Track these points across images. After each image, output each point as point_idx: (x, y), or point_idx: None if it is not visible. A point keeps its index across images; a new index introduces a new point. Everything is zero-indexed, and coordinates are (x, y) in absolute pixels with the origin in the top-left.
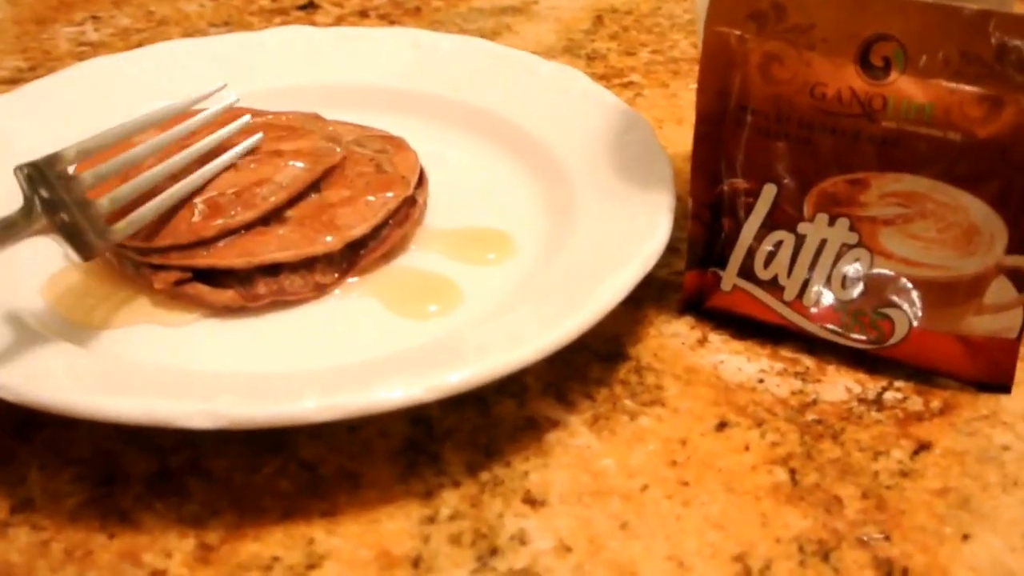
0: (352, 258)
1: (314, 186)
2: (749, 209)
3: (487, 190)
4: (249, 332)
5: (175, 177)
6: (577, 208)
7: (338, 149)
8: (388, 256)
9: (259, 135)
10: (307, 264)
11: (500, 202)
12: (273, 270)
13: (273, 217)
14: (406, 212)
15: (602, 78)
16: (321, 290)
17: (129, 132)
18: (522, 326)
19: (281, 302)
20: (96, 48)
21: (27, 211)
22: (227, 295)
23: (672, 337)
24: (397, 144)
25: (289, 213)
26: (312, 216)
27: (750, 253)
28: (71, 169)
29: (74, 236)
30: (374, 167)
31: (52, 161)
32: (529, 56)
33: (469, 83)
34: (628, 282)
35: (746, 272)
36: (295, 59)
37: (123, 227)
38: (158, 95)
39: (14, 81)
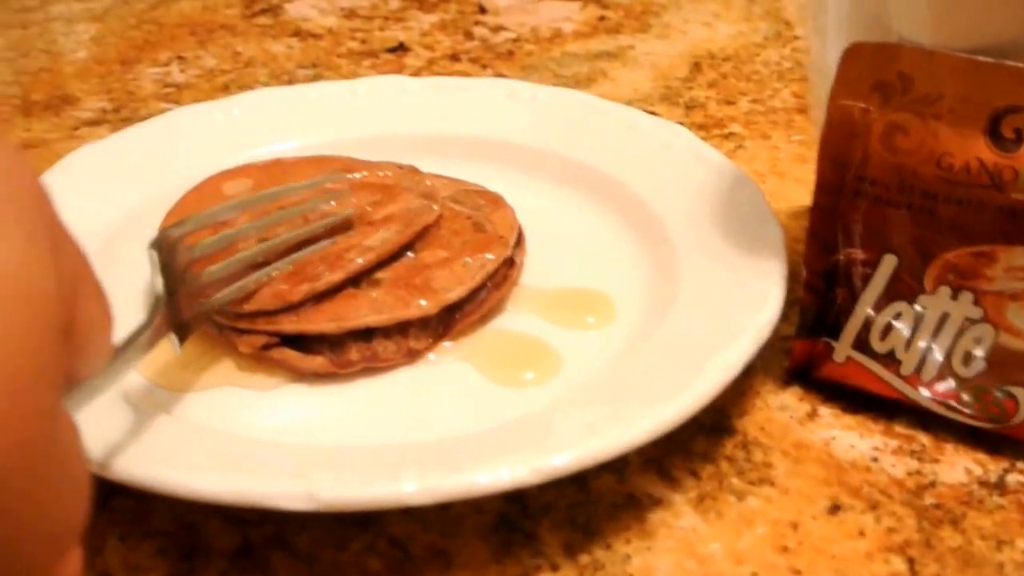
0: (447, 322)
1: (408, 246)
2: (866, 280)
3: (585, 248)
4: (338, 398)
5: (270, 251)
6: (681, 271)
7: (435, 207)
8: (484, 319)
9: (349, 211)
10: (400, 328)
11: (599, 261)
12: (365, 335)
13: (364, 279)
14: (504, 274)
15: (701, 128)
16: (414, 356)
17: (233, 211)
18: (629, 403)
19: (373, 368)
20: (181, 90)
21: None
22: (317, 361)
23: (780, 410)
24: (494, 200)
25: (381, 275)
26: (406, 278)
27: (866, 325)
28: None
29: (175, 314)
30: (471, 225)
31: (178, 234)
32: (629, 110)
33: (567, 136)
34: (740, 358)
35: (861, 344)
36: (389, 108)
37: (215, 301)
38: (250, 144)
39: (97, 122)
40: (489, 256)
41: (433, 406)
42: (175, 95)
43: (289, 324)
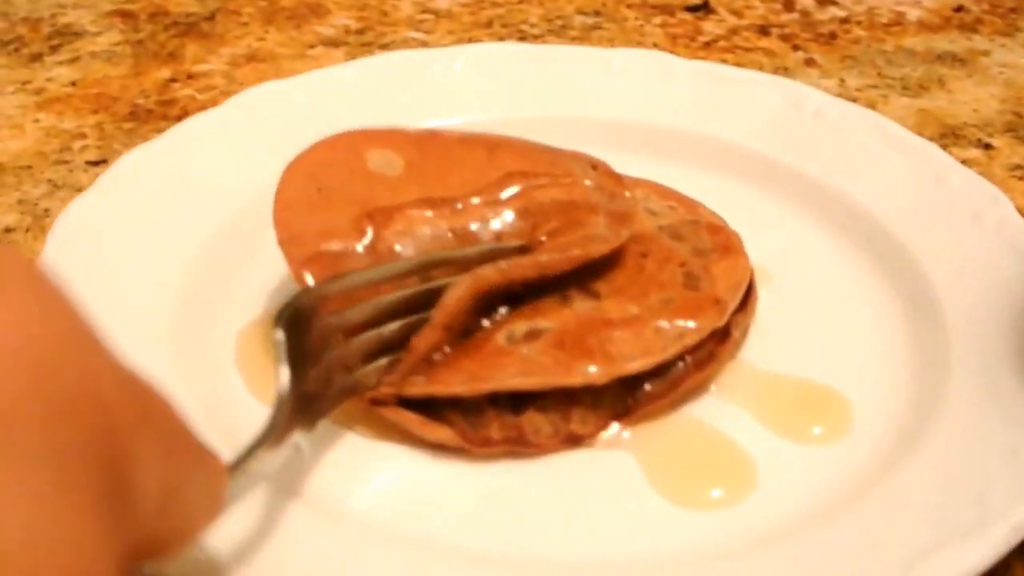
0: (623, 402)
1: (586, 288)
2: None
3: (832, 324)
4: (467, 480)
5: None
6: (951, 388)
7: (623, 233)
8: (675, 403)
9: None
10: (562, 403)
11: (846, 346)
12: (513, 405)
13: (520, 331)
14: (711, 350)
15: None
16: (574, 443)
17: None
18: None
19: (517, 453)
20: (439, 19)
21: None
22: (444, 433)
23: None
24: (727, 243)
25: (544, 323)
26: (576, 335)
27: None
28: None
29: (303, 403)
30: (682, 276)
31: (314, 303)
32: (939, 154)
33: (846, 169)
34: (998, 549)
35: None
36: (637, 92)
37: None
38: (455, 106)
39: (336, 43)
40: (691, 324)
41: (579, 508)
42: (430, 24)
43: (416, 387)
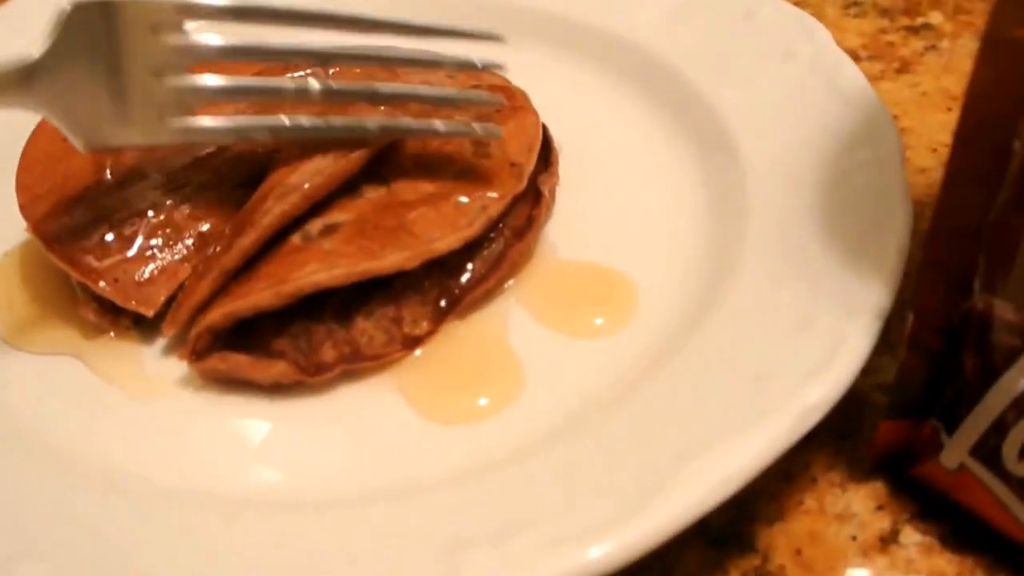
0: (451, 292)
1: (378, 175)
2: (1015, 355)
3: (623, 198)
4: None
5: None
6: (743, 255)
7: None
8: (501, 279)
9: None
10: (389, 306)
11: (636, 225)
12: (340, 320)
13: (316, 226)
14: (529, 215)
15: (884, 14)
16: (414, 345)
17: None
18: (594, 499)
19: (354, 371)
20: None
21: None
22: (277, 368)
23: (839, 520)
24: (511, 102)
25: (339, 217)
26: (374, 221)
27: (1000, 426)
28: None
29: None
30: (471, 146)
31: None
32: None
33: (637, 16)
34: (785, 432)
35: (986, 452)
36: None
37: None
38: None
39: None
40: (492, 195)
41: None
42: None
43: (218, 309)
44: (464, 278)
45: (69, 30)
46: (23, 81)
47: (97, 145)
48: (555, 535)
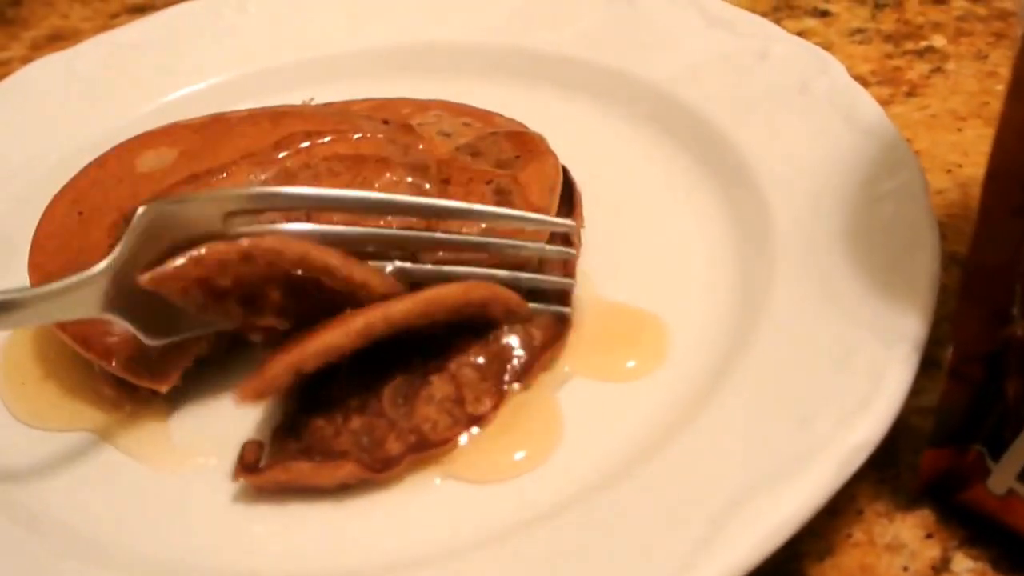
0: (510, 362)
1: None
2: None
3: (647, 236)
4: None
5: None
6: (773, 296)
7: (427, 186)
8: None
9: None
10: (447, 387)
11: (663, 263)
12: (400, 407)
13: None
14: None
15: (888, 40)
16: (477, 424)
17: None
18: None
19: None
20: None
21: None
22: (344, 470)
23: (889, 551)
24: (529, 147)
25: None
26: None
27: None
28: None
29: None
30: (493, 192)
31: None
32: (766, 24)
33: (658, 57)
34: (828, 484)
35: None
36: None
37: None
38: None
39: (142, 9)
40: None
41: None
42: None
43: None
44: (518, 350)
45: (138, 233)
46: (93, 296)
47: (164, 337)
48: None
